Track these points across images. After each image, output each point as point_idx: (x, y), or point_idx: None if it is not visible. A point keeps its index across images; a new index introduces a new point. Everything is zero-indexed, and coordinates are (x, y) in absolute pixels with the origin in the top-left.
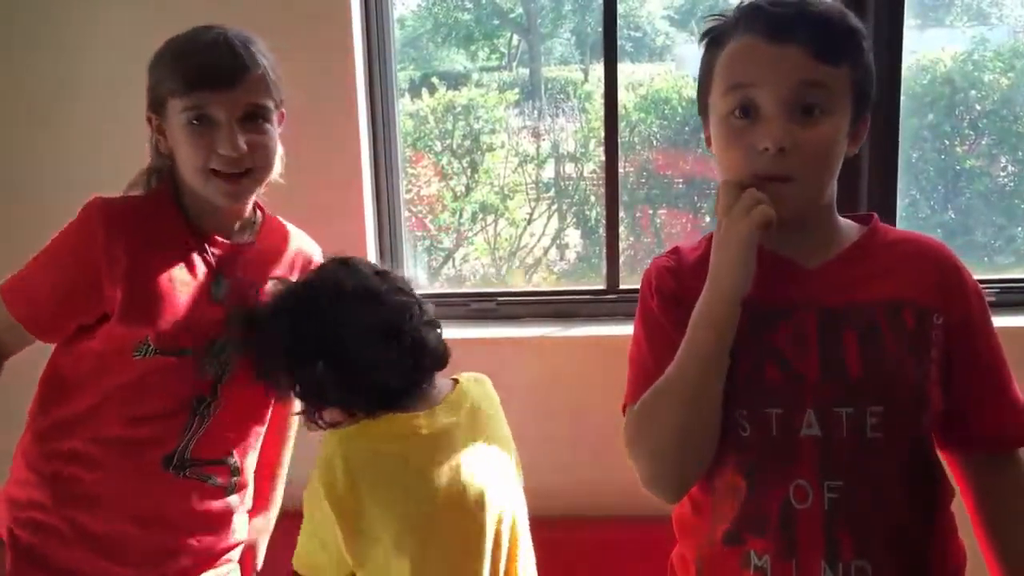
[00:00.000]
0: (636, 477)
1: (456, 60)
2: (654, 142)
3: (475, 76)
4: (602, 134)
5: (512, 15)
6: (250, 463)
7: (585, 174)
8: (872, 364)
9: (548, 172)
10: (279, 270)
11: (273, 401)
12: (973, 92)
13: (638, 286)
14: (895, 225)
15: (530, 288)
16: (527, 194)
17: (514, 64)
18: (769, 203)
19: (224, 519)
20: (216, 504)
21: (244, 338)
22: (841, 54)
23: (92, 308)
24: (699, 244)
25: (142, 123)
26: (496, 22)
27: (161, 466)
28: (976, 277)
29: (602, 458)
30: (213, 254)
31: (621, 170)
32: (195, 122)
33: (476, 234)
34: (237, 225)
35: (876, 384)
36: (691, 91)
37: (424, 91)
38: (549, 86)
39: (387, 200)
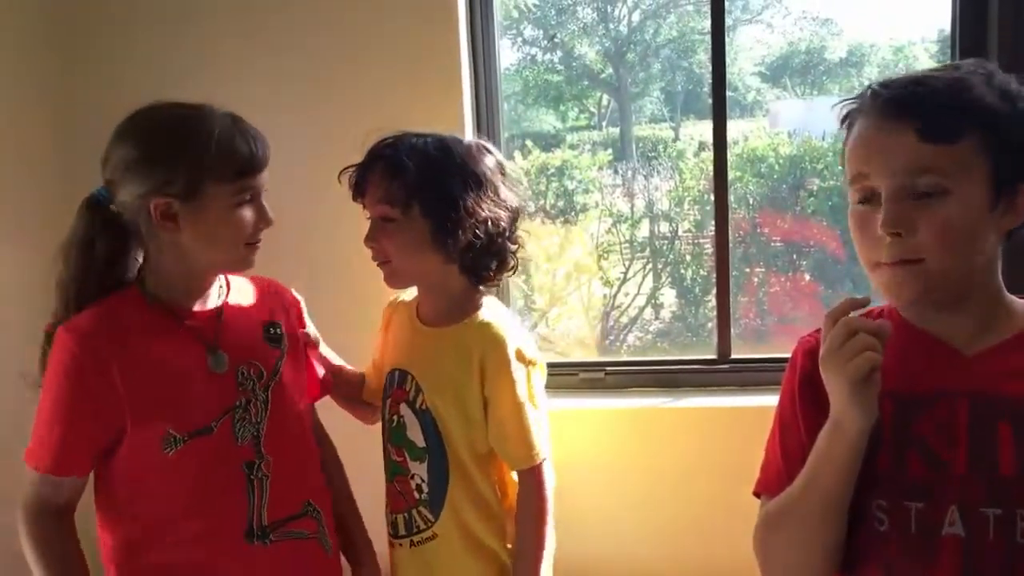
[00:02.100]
0: (744, 554)
1: (545, 120)
2: (750, 200)
3: (568, 137)
4: (696, 192)
5: (603, 76)
6: (328, 506)
7: (680, 233)
8: None
9: (642, 231)
10: (263, 314)
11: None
12: None
13: (749, 356)
14: None
15: (639, 358)
16: (621, 254)
17: (604, 123)
18: (878, 348)
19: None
20: (321, 562)
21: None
22: (955, 132)
23: (110, 429)
24: None
25: None
26: (586, 83)
27: (245, 542)
28: None
29: (709, 533)
30: (197, 329)
31: None
32: (247, 201)
33: (571, 294)
34: (212, 291)
35: None
36: (787, 149)
37: (517, 153)
38: (640, 145)
39: None
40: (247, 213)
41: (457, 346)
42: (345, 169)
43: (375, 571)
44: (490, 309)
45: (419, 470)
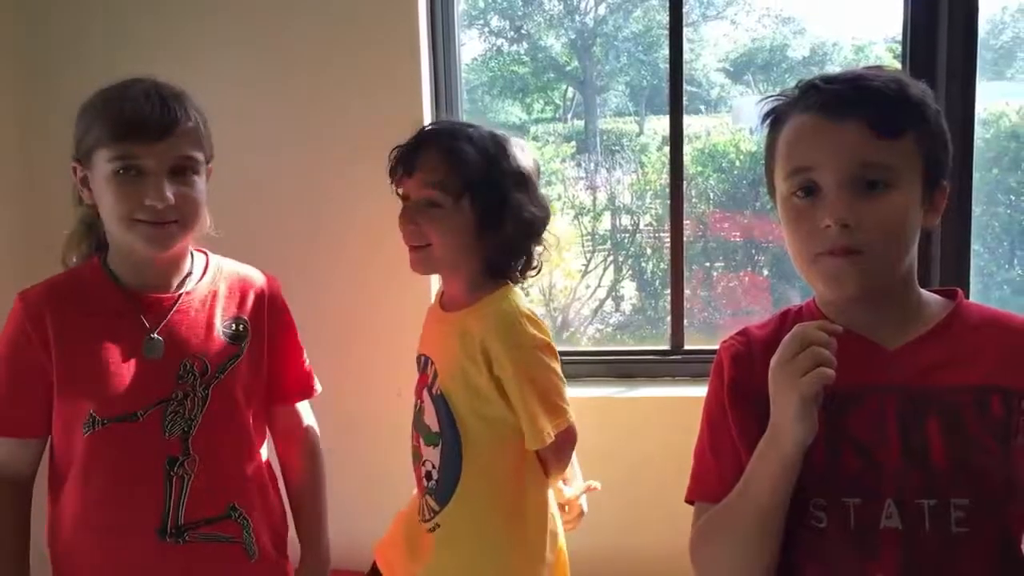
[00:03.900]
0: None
1: (511, 112)
2: (711, 195)
3: (532, 129)
4: (658, 186)
5: (568, 68)
6: (264, 510)
7: (641, 226)
8: (957, 454)
9: (603, 224)
10: (232, 308)
11: (259, 431)
12: None
13: (702, 347)
14: (968, 286)
15: (593, 347)
16: (583, 246)
17: (569, 116)
18: (831, 362)
19: None
20: (242, 567)
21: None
22: (901, 127)
23: (47, 396)
24: (768, 323)
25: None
26: (552, 75)
27: (157, 539)
28: None
29: (658, 521)
30: (144, 312)
31: None
32: (122, 172)
33: (531, 285)
34: (176, 277)
35: (961, 475)
36: (749, 145)
37: None
38: (604, 138)
39: None
40: (126, 184)
41: (465, 331)
42: (396, 148)
43: (318, 566)
44: (504, 295)
45: (431, 456)
